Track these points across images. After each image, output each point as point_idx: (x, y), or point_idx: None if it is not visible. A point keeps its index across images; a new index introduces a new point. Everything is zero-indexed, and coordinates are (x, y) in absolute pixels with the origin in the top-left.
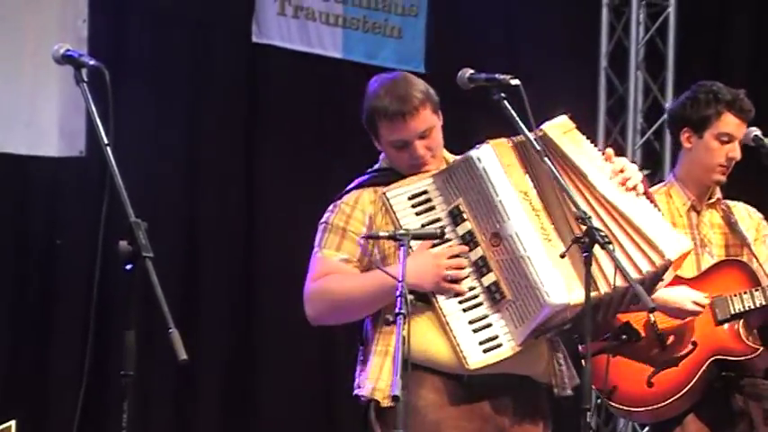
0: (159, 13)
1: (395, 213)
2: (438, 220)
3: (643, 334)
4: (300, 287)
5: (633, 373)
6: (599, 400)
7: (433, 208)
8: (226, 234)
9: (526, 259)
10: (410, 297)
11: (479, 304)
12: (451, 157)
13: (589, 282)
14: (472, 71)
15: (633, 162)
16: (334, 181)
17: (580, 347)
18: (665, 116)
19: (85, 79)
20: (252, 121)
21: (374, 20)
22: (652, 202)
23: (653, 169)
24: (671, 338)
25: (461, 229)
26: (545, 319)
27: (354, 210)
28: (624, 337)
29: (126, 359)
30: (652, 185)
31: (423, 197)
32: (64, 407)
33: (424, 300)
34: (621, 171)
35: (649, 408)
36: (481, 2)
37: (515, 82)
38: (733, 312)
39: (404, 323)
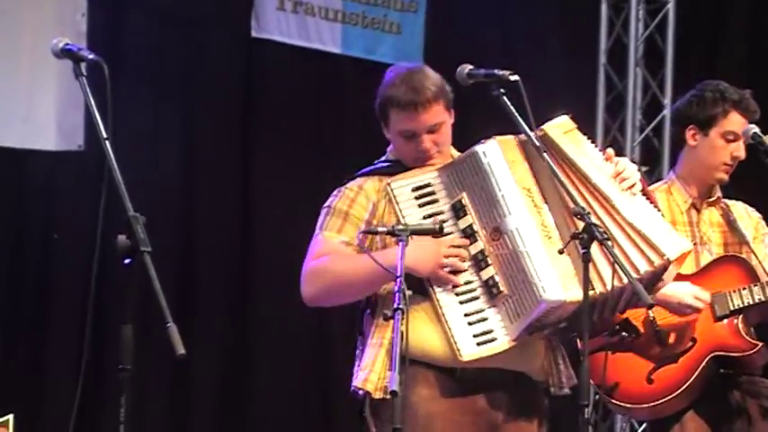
0: (157, 7)
1: (398, 204)
2: (440, 212)
3: (642, 331)
4: (297, 285)
5: (632, 369)
6: (597, 397)
7: (436, 201)
8: (222, 230)
9: (525, 255)
10: (408, 293)
11: (476, 298)
12: (458, 155)
13: (588, 278)
14: (471, 67)
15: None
16: (332, 178)
17: (579, 344)
18: (669, 114)
19: (84, 73)
20: (249, 116)
21: (373, 15)
22: (652, 202)
23: (651, 166)
24: (670, 335)
25: (463, 223)
26: (540, 314)
27: (358, 195)
28: (623, 333)
29: (123, 354)
30: (651, 183)
31: (426, 189)
32: (61, 402)
33: (421, 292)
34: (622, 171)
35: (648, 404)
36: None
37: (514, 78)
38: (732, 308)
39: (402, 318)
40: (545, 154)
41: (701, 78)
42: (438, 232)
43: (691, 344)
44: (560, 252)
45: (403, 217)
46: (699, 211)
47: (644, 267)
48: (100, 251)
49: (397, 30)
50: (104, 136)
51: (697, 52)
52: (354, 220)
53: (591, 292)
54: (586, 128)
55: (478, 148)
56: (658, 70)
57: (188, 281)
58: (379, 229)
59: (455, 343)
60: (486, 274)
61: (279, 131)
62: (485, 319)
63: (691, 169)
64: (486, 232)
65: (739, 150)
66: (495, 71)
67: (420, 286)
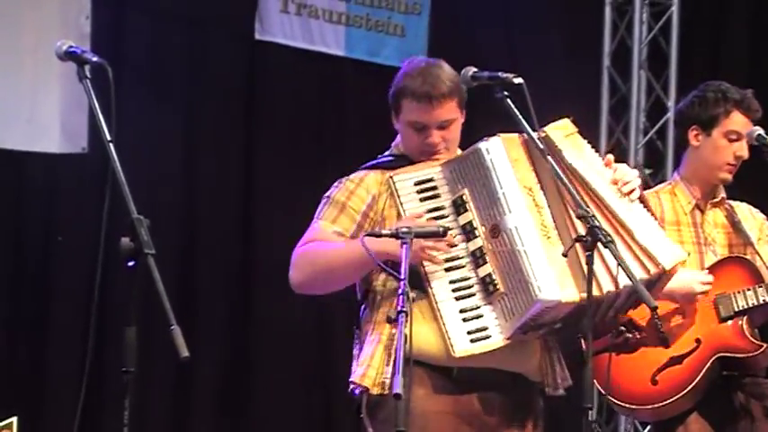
0: (161, 9)
1: (399, 198)
2: (441, 207)
3: (646, 332)
4: None
5: (636, 371)
6: (601, 398)
7: (437, 196)
8: (224, 232)
9: (522, 253)
10: (412, 294)
11: (472, 294)
12: (460, 151)
13: (591, 280)
14: (475, 69)
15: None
16: (334, 179)
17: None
18: (672, 115)
19: (88, 76)
20: (252, 118)
21: (377, 18)
22: (649, 210)
23: (655, 168)
24: (674, 336)
25: (463, 219)
26: (535, 314)
27: (358, 187)
28: (627, 335)
29: (127, 356)
30: (655, 184)
31: (428, 184)
32: (63, 403)
33: (418, 288)
34: (622, 177)
35: (652, 406)
36: (484, 1)
37: (518, 80)
38: (737, 309)
39: (406, 321)
40: (548, 156)
41: (704, 80)
42: (442, 235)
43: (695, 345)
44: (564, 255)
45: (404, 211)
46: (703, 212)
47: (640, 275)
48: (103, 253)
49: (401, 32)
50: (108, 138)
51: (700, 54)
52: (351, 212)
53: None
54: (590, 130)
55: (482, 144)
56: (662, 72)
57: (189, 282)
58: (383, 231)
59: (449, 339)
60: (483, 271)
61: (281, 134)
62: (480, 316)
63: (694, 170)
64: (485, 229)
65: (742, 150)
66: (499, 74)
67: (418, 283)
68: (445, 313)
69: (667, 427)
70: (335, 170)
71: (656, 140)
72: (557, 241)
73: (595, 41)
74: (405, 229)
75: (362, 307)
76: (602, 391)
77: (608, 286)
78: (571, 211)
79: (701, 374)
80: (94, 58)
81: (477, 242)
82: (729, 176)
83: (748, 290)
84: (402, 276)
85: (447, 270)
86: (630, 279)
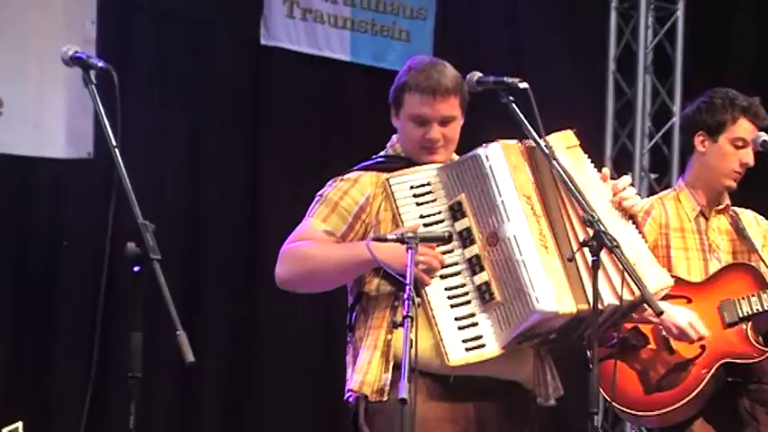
0: (166, 14)
1: (395, 201)
2: (438, 212)
3: (651, 339)
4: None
5: (641, 377)
6: (606, 405)
7: (434, 200)
8: (228, 235)
9: (521, 263)
10: (417, 300)
11: (468, 302)
12: (456, 156)
13: (597, 287)
14: (480, 74)
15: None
16: None
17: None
18: (679, 120)
19: (94, 81)
20: (257, 123)
21: (382, 22)
22: (641, 232)
23: (661, 174)
24: (679, 343)
25: (460, 225)
26: (532, 324)
27: (352, 188)
28: (633, 342)
29: (133, 361)
30: (660, 190)
31: (425, 188)
32: (69, 409)
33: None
34: (621, 191)
35: (658, 412)
36: (489, 6)
37: (524, 85)
38: (741, 315)
39: (412, 326)
40: (555, 162)
41: (709, 86)
42: (447, 240)
43: (700, 351)
44: (569, 260)
45: (400, 214)
46: (707, 218)
47: (625, 296)
48: (109, 259)
49: (407, 37)
50: (114, 144)
51: (706, 60)
52: (342, 212)
53: (583, 306)
54: (595, 135)
55: (481, 151)
56: (667, 77)
57: (194, 285)
58: (389, 236)
59: (444, 347)
60: (479, 278)
61: (287, 138)
62: (475, 324)
63: (699, 176)
64: (482, 236)
65: (748, 157)
66: (504, 78)
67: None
68: (440, 320)
69: None
70: (340, 174)
71: (661, 145)
72: (554, 251)
73: (601, 46)
74: (410, 234)
75: (354, 310)
76: (608, 398)
77: (609, 299)
78: (573, 219)
79: (706, 380)
80: (100, 64)
81: (474, 249)
82: (734, 184)
83: (753, 296)
84: (408, 281)
85: (442, 277)
86: (638, 286)
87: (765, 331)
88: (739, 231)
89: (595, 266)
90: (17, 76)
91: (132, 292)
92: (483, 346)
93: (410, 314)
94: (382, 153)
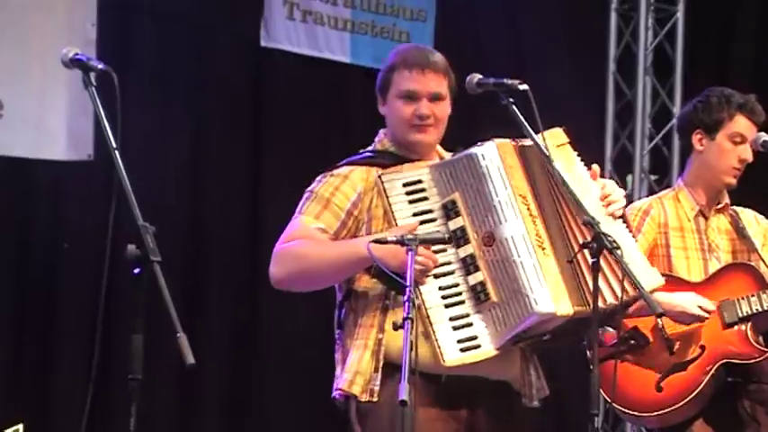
0: (166, 16)
1: (387, 198)
2: (430, 210)
3: (651, 339)
4: (306, 294)
5: (642, 377)
6: (607, 405)
7: (426, 198)
8: (230, 238)
9: (518, 264)
10: (418, 302)
11: (462, 302)
12: (446, 154)
13: (597, 288)
14: (480, 76)
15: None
16: None
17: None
18: (675, 121)
19: (94, 83)
20: (258, 125)
21: (382, 24)
22: (630, 230)
23: (661, 175)
24: (679, 343)
25: (453, 224)
26: (529, 326)
27: (343, 184)
28: (633, 342)
29: (134, 363)
30: (660, 191)
31: (417, 186)
32: (69, 411)
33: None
34: (609, 195)
35: (658, 412)
36: (488, 7)
37: (523, 87)
38: (741, 315)
39: (412, 328)
40: (553, 164)
41: (710, 86)
42: (447, 242)
43: (700, 351)
44: (569, 262)
45: (393, 212)
46: (707, 218)
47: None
48: (109, 261)
49: (407, 39)
50: (114, 146)
51: (706, 60)
52: (335, 209)
53: (580, 308)
54: (595, 136)
55: (477, 150)
56: (667, 79)
57: (195, 287)
58: (389, 238)
59: (439, 347)
60: (474, 278)
61: (288, 141)
62: (470, 325)
63: (699, 175)
64: (477, 236)
65: (747, 153)
66: (504, 80)
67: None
68: (435, 320)
69: None
70: (329, 169)
71: (661, 146)
72: (550, 252)
73: (601, 47)
74: (410, 236)
75: (342, 307)
76: (608, 399)
77: (608, 299)
78: (570, 219)
79: (706, 381)
80: (100, 66)
81: (468, 249)
82: (734, 181)
83: (752, 296)
84: (408, 283)
85: (436, 276)
86: (637, 287)
87: (765, 331)
88: (739, 231)
89: (596, 268)
90: (18, 78)
91: (133, 294)
92: (478, 346)
93: (410, 316)
94: (370, 148)
